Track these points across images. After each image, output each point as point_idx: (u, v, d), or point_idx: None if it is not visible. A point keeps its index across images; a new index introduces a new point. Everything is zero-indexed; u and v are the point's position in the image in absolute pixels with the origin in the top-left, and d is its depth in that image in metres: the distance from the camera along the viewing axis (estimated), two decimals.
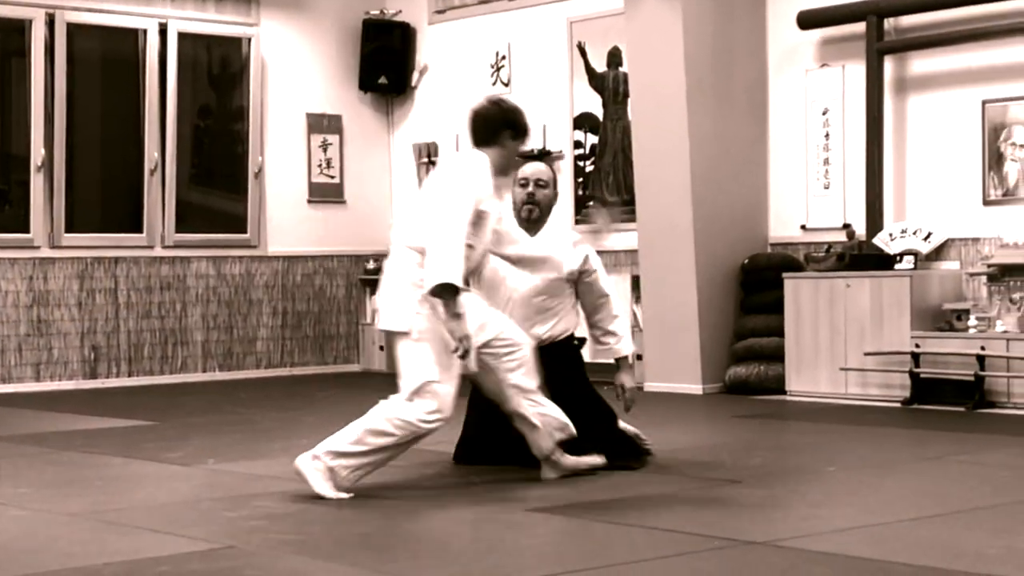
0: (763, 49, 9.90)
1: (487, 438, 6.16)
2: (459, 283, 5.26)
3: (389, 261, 5.59)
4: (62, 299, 10.83)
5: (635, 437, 6.34)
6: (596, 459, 5.89)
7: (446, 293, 5.23)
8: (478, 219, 5.42)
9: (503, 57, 11.51)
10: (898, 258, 8.85)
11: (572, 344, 6.30)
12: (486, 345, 5.58)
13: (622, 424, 6.30)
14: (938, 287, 8.79)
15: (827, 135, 9.59)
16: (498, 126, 5.64)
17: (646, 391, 9.70)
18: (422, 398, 5.39)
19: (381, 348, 11.93)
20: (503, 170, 5.68)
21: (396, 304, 5.47)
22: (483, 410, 6.09)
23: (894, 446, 7.04)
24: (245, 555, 4.46)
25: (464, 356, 5.31)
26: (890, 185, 9.22)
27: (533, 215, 6.14)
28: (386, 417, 5.42)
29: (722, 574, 4.16)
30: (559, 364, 6.06)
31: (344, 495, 5.39)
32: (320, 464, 5.41)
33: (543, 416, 5.71)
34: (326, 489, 5.38)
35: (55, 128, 10.70)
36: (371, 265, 12.11)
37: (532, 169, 6.21)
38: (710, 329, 9.59)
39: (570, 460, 5.82)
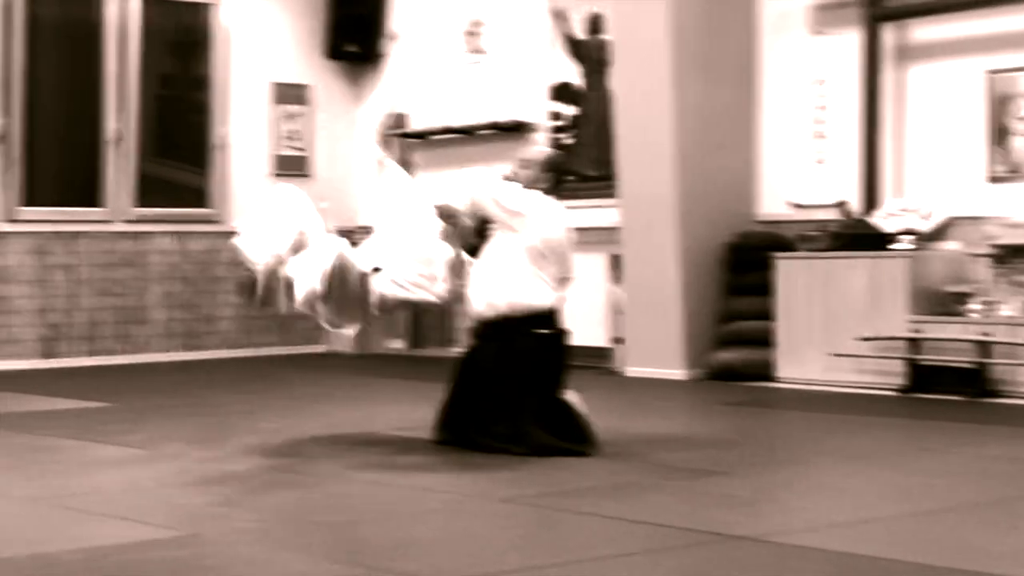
0: (754, 15, 9.83)
1: (464, 419, 6.20)
2: None
3: None
4: (18, 275, 10.75)
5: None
6: None
7: None
8: None
9: (478, 24, 11.43)
10: (896, 237, 8.79)
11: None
12: None
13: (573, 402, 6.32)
14: (938, 269, 8.73)
15: (821, 107, 9.52)
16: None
17: (626, 376, 9.66)
18: None
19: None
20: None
21: None
22: (461, 391, 6.27)
23: (890, 436, 6.98)
24: (208, 543, 4.43)
25: None
26: (888, 160, 9.17)
27: None
28: None
29: (707, 570, 4.10)
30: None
31: None
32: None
33: None
34: None
35: (12, 96, 10.61)
36: None
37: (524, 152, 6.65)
38: (694, 311, 9.53)
39: None
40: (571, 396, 6.30)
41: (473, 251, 6.35)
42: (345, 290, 6.35)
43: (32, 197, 10.82)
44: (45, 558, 4.24)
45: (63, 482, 5.61)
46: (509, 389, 6.10)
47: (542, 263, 6.20)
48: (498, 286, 6.20)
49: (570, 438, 6.12)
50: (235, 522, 4.76)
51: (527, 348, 6.14)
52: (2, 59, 10.54)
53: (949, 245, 8.88)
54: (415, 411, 7.40)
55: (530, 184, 6.32)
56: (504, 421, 6.07)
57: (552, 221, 6.29)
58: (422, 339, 11.76)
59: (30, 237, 10.79)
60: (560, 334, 6.30)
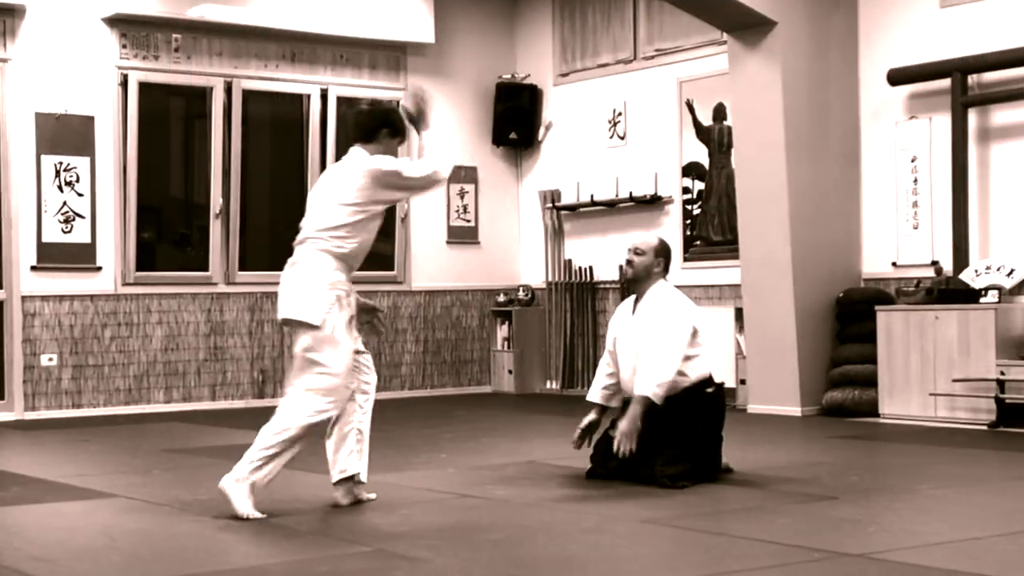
0: (856, 103, 9.68)
1: (623, 460, 6.07)
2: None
3: (298, 260, 5.42)
4: (235, 328, 10.95)
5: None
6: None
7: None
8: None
9: (619, 114, 11.43)
10: (983, 292, 8.56)
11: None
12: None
13: None
14: (1021, 319, 8.47)
15: (915, 180, 9.33)
16: (376, 125, 5.50)
17: (749, 412, 9.52)
18: (321, 393, 5.27)
19: (510, 372, 11.88)
20: None
21: (307, 299, 5.30)
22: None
23: (982, 466, 6.76)
24: (392, 558, 4.44)
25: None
26: (975, 225, 8.94)
27: (627, 276, 6.33)
28: (286, 416, 5.26)
29: None
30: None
31: (260, 515, 5.17)
32: (243, 485, 5.20)
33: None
34: (248, 508, 5.16)
35: (231, 181, 10.86)
36: (501, 298, 12.09)
37: (635, 239, 6.32)
38: (808, 356, 9.37)
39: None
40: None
41: None
42: None
43: (247, 263, 11.03)
44: (256, 570, 4.29)
45: (271, 504, 5.63)
46: (676, 436, 5.92)
47: (694, 341, 6.03)
48: (664, 374, 5.92)
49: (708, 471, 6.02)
50: (418, 539, 4.77)
51: (696, 403, 5.99)
52: (222, 151, 10.81)
53: None
54: (568, 444, 7.36)
55: (649, 268, 6.13)
56: (669, 463, 5.88)
57: (690, 307, 6.12)
58: (574, 380, 11.72)
59: (245, 296, 11.00)
60: (721, 389, 6.16)
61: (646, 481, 5.86)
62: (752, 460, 6.80)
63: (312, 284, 5.31)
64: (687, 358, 5.98)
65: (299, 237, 5.56)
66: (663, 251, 6.22)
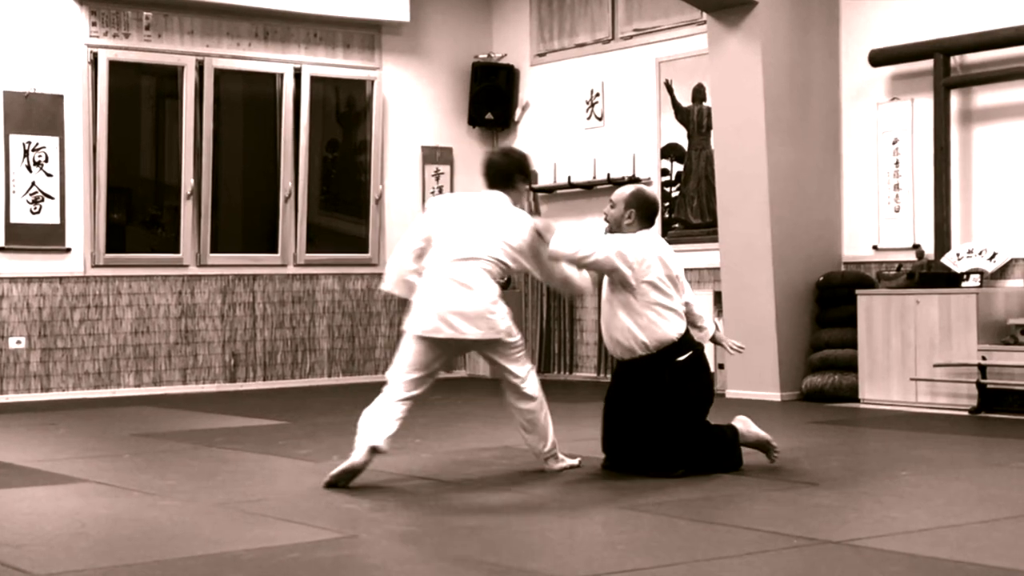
0: (837, 84, 9.69)
1: (616, 448, 6.01)
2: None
3: (468, 281, 5.71)
4: (207, 311, 10.91)
5: (766, 443, 6.07)
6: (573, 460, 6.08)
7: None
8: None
9: (597, 94, 11.41)
10: (965, 276, 8.58)
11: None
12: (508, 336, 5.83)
13: (753, 428, 6.06)
14: (1003, 303, 8.50)
15: (897, 163, 9.35)
16: (512, 171, 5.96)
17: (728, 398, 9.53)
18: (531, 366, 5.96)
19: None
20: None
21: (497, 319, 5.75)
22: (613, 423, 6.04)
23: (962, 452, 6.78)
24: (365, 544, 4.42)
25: None
26: (957, 209, 8.96)
27: (604, 231, 6.14)
28: (537, 395, 5.88)
29: (801, 572, 4.00)
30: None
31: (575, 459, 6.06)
32: (554, 459, 5.96)
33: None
34: (568, 460, 6.00)
35: (203, 161, 10.79)
36: None
37: (614, 192, 6.19)
38: (788, 341, 9.38)
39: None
40: (737, 422, 6.07)
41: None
42: None
43: (219, 245, 10.99)
44: (226, 556, 4.27)
45: (243, 489, 5.65)
46: (665, 419, 5.78)
47: (663, 296, 5.88)
48: (631, 330, 5.84)
49: (724, 462, 5.92)
50: (391, 525, 4.76)
51: (673, 377, 5.84)
52: (194, 131, 10.74)
53: (1012, 283, 8.65)
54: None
55: (619, 220, 5.94)
56: (659, 457, 5.79)
57: (659, 253, 5.95)
58: (551, 364, 11.71)
59: (217, 279, 10.96)
60: (699, 355, 5.96)
61: (633, 471, 5.85)
62: None
63: (497, 305, 5.78)
64: (654, 306, 5.82)
65: (460, 253, 5.78)
66: (635, 202, 5.97)
